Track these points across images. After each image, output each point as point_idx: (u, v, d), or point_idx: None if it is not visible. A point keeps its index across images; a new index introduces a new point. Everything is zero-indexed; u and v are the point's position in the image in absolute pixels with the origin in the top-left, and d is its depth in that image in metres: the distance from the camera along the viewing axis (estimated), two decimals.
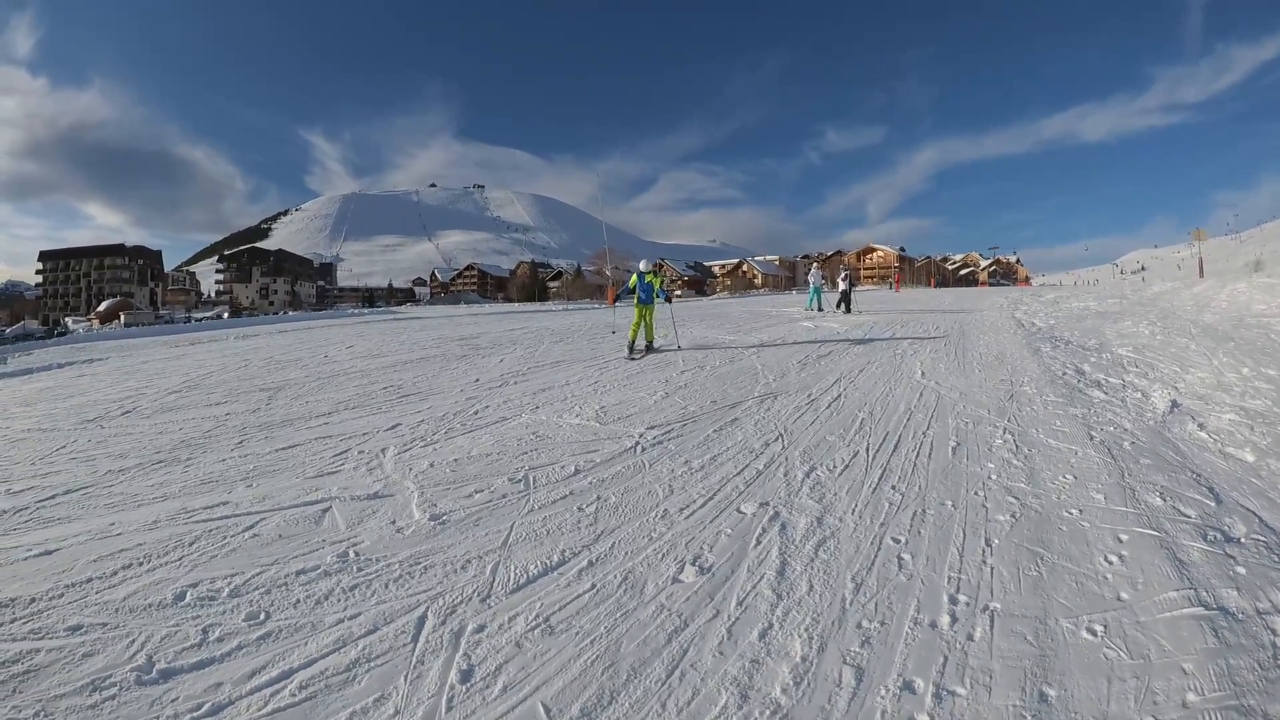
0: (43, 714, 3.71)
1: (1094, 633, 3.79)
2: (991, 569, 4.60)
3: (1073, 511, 5.41)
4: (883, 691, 3.48)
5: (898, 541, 5.09)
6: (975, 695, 3.38)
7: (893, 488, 6.15)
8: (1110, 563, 4.55)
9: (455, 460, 7.57)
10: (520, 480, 6.85)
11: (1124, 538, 4.92)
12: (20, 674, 4.07)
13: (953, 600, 4.25)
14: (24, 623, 4.64)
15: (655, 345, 16.37)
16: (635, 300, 15.91)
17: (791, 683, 3.58)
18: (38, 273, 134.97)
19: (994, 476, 6.29)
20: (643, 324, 16.02)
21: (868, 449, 7.33)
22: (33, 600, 4.92)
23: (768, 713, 3.39)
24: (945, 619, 4.06)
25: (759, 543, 5.24)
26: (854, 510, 5.72)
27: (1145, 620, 3.93)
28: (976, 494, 5.90)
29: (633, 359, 14.78)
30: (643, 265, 16.16)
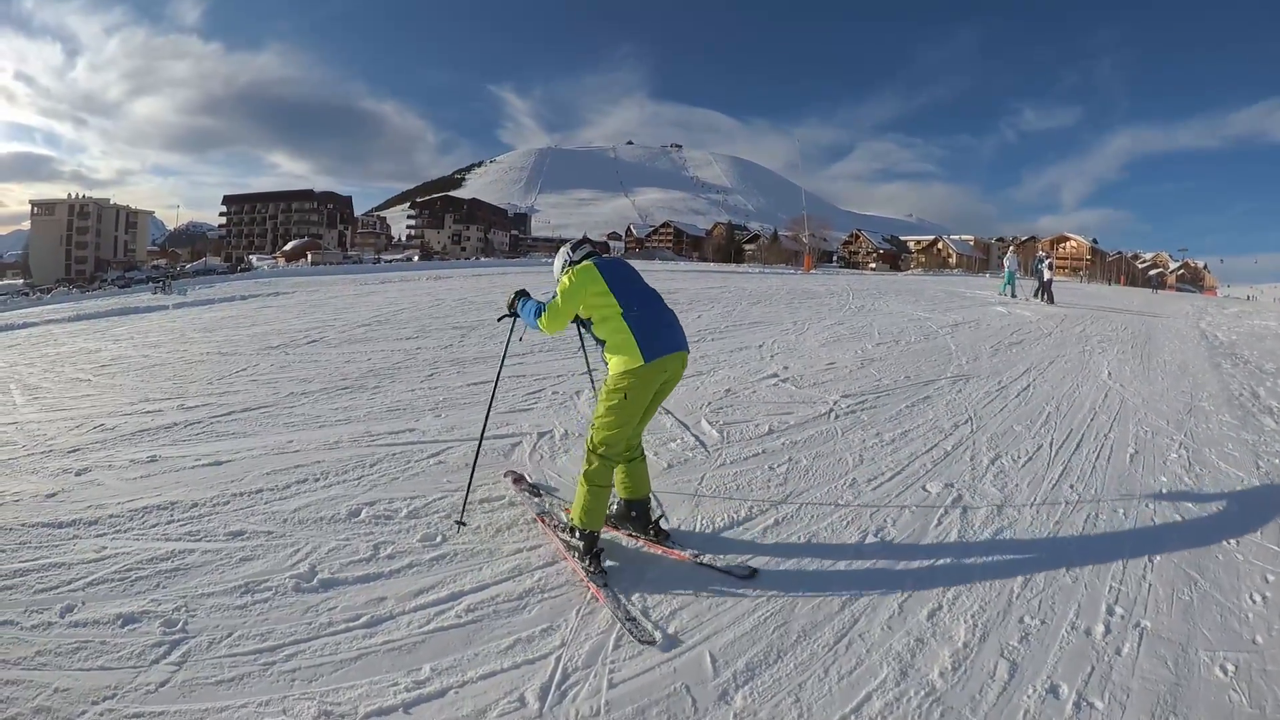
0: (184, 610, 3.94)
1: (1225, 671, 3.63)
2: (1150, 586, 4.45)
3: (1230, 541, 5.18)
4: (1030, 691, 3.43)
5: (1069, 542, 5.01)
6: (1110, 712, 3.30)
7: (1070, 487, 6.04)
8: (1254, 602, 4.34)
9: None
10: (714, 434, 7.03)
11: (1270, 578, 4.65)
12: (168, 570, 4.35)
13: (1110, 611, 4.14)
14: (181, 525, 4.95)
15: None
16: (602, 345, 4.89)
17: (950, 667, 3.58)
18: (221, 214, 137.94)
19: (1165, 491, 6.06)
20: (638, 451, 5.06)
21: (1051, 443, 7.23)
22: (194, 505, 5.26)
23: (922, 693, 3.39)
24: (1100, 628, 3.97)
25: (940, 523, 5.27)
26: (1032, 503, 5.67)
27: (1272, 670, 3.72)
28: (1148, 506, 5.71)
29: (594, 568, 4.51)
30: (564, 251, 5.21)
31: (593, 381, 5.47)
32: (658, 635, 3.79)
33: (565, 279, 4.82)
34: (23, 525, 4.91)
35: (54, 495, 5.47)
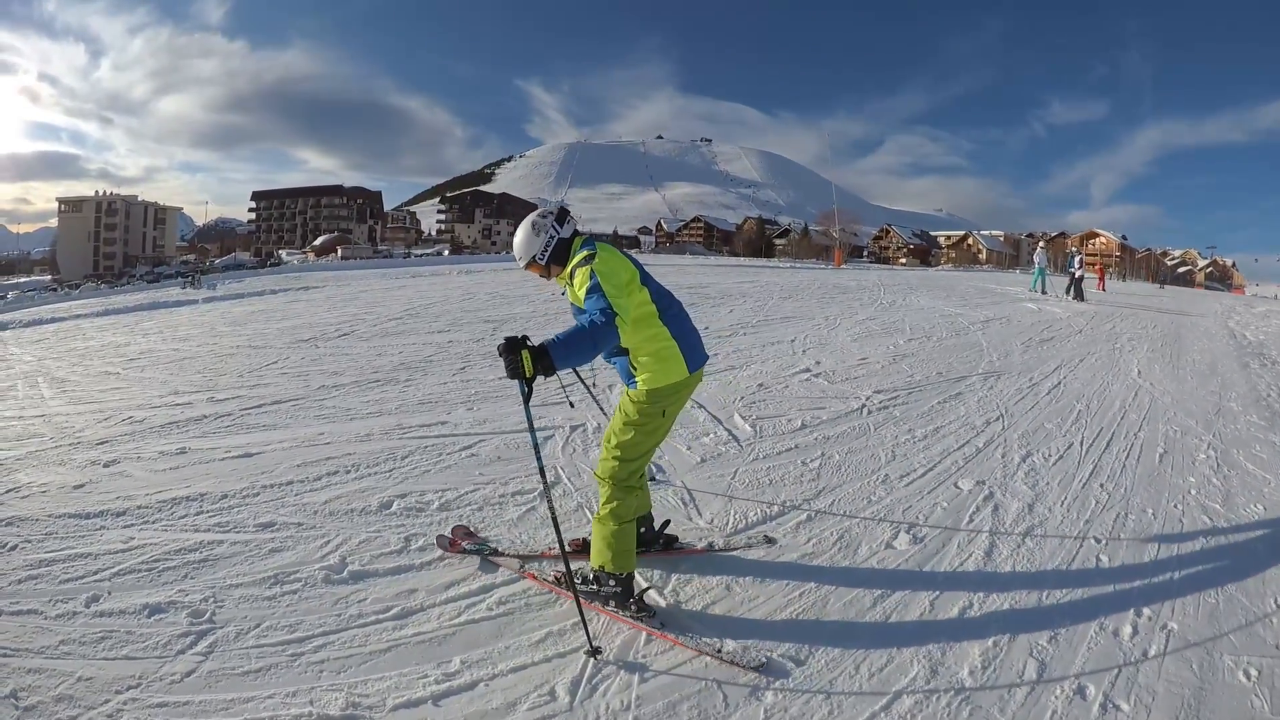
0: (212, 600, 3.96)
1: (1248, 676, 3.58)
2: (1177, 588, 4.41)
3: (1257, 545, 5.12)
4: (1058, 691, 3.41)
5: (1098, 541, 4.96)
6: (1135, 714, 3.26)
7: (1100, 486, 6.00)
8: (1278, 606, 4.28)
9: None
10: (747, 429, 7.05)
11: None
12: (196, 561, 4.37)
13: (1137, 612, 4.10)
14: (210, 516, 4.99)
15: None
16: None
17: (980, 665, 3.55)
18: (250, 210, 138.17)
19: (1193, 492, 5.99)
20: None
21: (1082, 442, 7.18)
22: (224, 496, 5.29)
23: (951, 692, 3.36)
24: (1127, 629, 3.93)
25: (971, 521, 5.24)
26: (1063, 502, 5.64)
27: None
28: (1176, 506, 5.66)
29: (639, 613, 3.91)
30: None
31: (593, 395, 5.02)
32: (764, 657, 3.48)
33: (599, 261, 3.73)
34: (49, 516, 4.97)
35: (81, 486, 5.54)
